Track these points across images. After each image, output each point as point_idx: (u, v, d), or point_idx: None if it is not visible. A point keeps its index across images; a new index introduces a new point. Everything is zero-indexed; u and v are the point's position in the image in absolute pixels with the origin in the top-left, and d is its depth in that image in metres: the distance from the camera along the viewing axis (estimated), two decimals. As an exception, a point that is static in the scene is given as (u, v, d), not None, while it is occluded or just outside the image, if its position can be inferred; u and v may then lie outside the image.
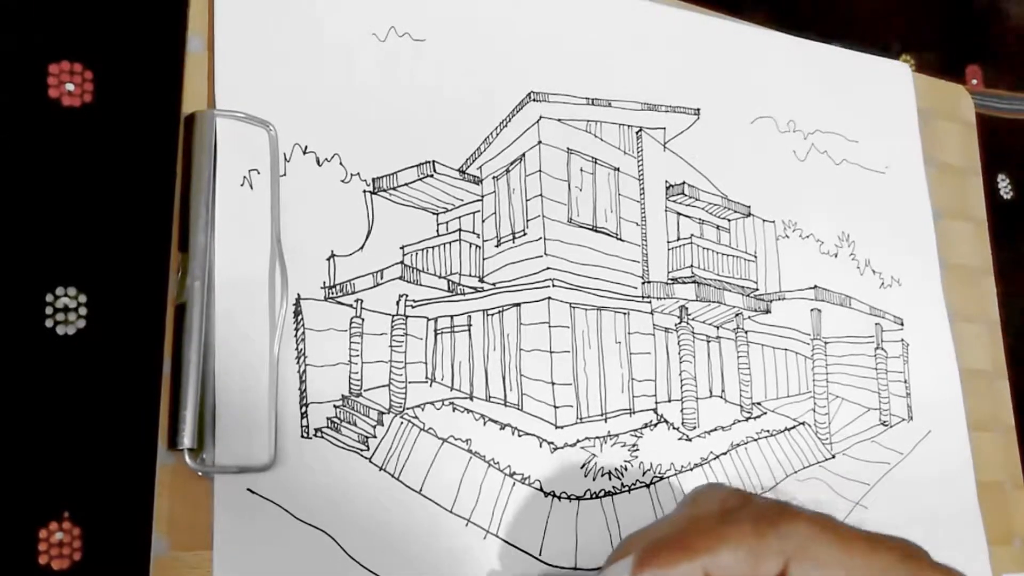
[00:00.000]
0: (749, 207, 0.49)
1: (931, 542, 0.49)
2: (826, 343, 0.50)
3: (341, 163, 0.39)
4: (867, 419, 0.50)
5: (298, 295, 0.37)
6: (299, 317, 0.37)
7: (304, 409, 0.36)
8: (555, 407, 0.42)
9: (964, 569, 0.51)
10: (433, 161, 0.41)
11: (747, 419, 0.46)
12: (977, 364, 0.55)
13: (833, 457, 0.48)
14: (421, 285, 0.40)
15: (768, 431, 0.47)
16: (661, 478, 0.43)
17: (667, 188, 0.47)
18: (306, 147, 0.38)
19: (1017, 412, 0.55)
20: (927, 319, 0.53)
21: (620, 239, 0.45)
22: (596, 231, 0.45)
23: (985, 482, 0.52)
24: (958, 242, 0.56)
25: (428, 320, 0.40)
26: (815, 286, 0.50)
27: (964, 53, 0.62)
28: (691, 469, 0.44)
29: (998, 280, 0.57)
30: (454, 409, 0.40)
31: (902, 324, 0.52)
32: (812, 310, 0.50)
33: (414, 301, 0.40)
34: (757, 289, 0.49)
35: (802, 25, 0.55)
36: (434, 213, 0.41)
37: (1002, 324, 0.56)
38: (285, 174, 0.38)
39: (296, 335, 0.37)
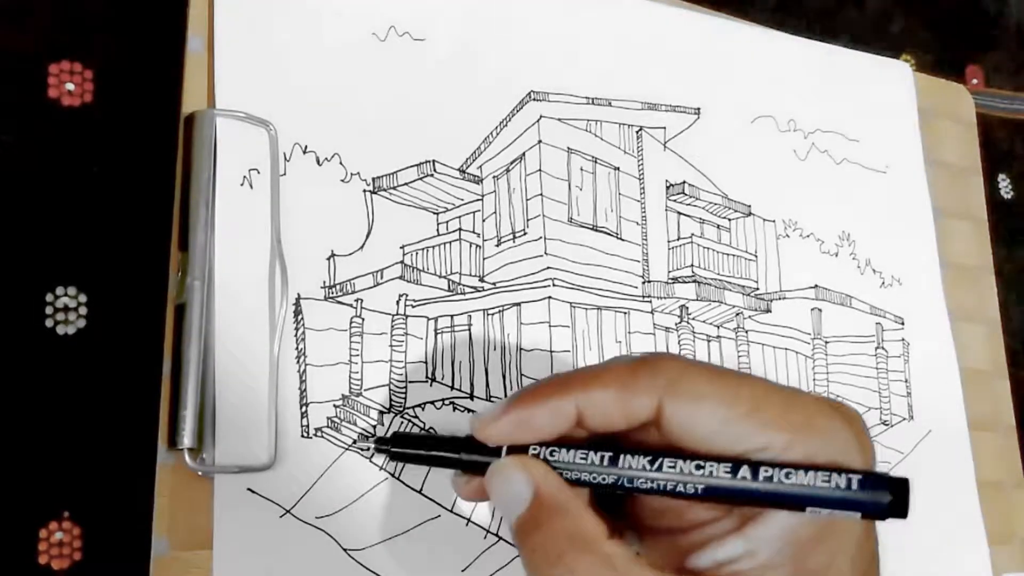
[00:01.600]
0: (749, 206, 0.49)
1: (932, 542, 0.49)
2: (827, 343, 0.50)
3: (341, 162, 0.39)
4: (868, 419, 0.50)
5: (298, 295, 0.37)
6: (299, 316, 0.37)
7: (304, 409, 0.36)
8: (555, 407, 0.41)
9: (965, 569, 0.51)
10: (433, 160, 0.41)
11: (747, 419, 0.46)
12: (977, 364, 0.55)
13: (834, 457, 0.48)
14: (421, 285, 0.40)
15: (768, 431, 0.47)
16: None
17: (667, 187, 0.47)
18: (306, 147, 0.38)
19: (1018, 411, 0.55)
20: (927, 318, 0.53)
21: (620, 238, 0.45)
22: (596, 230, 0.45)
23: (985, 482, 0.52)
24: (958, 241, 0.56)
25: (428, 320, 0.40)
26: (815, 285, 0.50)
27: (964, 53, 0.62)
28: (691, 469, 0.44)
29: (998, 280, 0.57)
30: (454, 409, 0.40)
31: (903, 323, 0.52)
32: (813, 309, 0.50)
33: (414, 301, 0.40)
34: (758, 288, 0.49)
35: (803, 25, 0.55)
36: (434, 213, 0.41)
37: (1002, 324, 0.56)
38: (285, 173, 0.38)
39: (296, 335, 0.37)
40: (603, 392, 0.29)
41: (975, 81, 0.62)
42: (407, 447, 0.34)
